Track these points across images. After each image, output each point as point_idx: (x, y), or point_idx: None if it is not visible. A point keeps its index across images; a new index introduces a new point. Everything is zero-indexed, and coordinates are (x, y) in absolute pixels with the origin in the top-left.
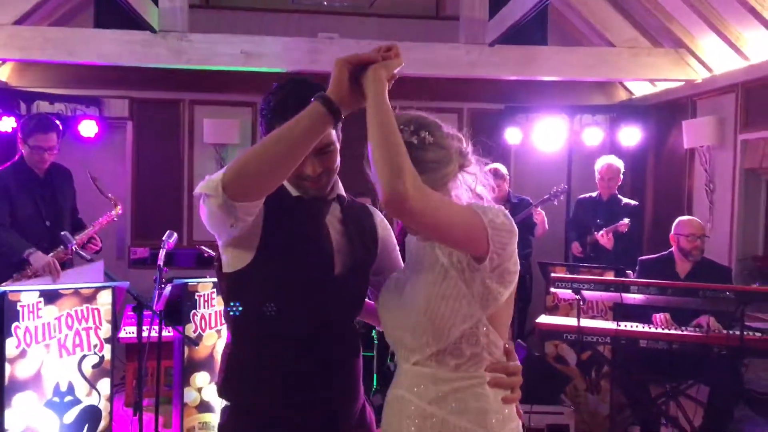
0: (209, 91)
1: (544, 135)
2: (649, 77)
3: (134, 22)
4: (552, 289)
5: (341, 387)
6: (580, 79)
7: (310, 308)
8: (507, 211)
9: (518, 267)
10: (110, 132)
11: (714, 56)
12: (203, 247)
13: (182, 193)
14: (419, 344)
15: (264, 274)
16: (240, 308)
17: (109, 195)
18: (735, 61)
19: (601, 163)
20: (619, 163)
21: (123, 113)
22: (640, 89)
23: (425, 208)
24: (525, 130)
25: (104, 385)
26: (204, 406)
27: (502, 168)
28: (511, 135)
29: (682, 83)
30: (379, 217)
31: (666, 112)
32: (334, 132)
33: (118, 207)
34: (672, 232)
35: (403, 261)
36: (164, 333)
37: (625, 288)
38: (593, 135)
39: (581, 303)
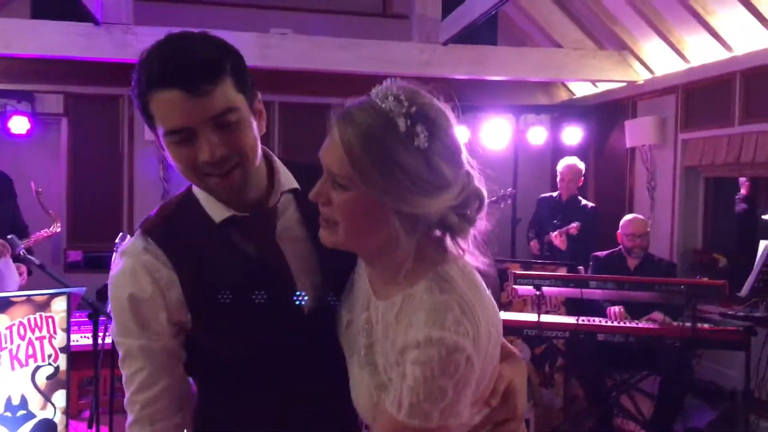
0: None
1: (491, 134)
2: (594, 78)
3: (74, 12)
4: (513, 286)
5: None
6: (529, 79)
7: (281, 370)
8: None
9: None
10: (43, 129)
11: (656, 58)
12: None
13: (122, 193)
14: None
15: (210, 347)
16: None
17: (50, 211)
18: (676, 63)
19: (563, 164)
20: (581, 165)
21: (57, 109)
22: (582, 90)
23: None
24: (472, 129)
25: (59, 397)
26: None
27: None
28: (458, 133)
29: (624, 84)
30: None
31: (607, 112)
32: (238, 94)
33: (58, 224)
34: (618, 230)
35: None
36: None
37: (585, 284)
38: (537, 134)
39: (540, 299)
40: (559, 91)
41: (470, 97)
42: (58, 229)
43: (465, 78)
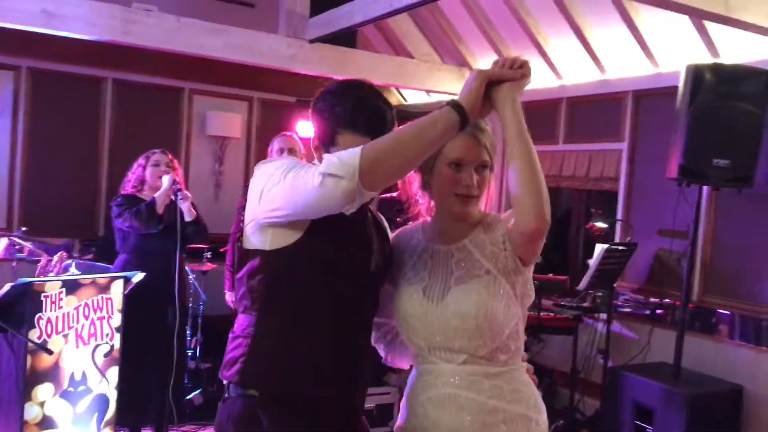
0: None
1: None
2: (438, 89)
3: None
4: None
5: (363, 382)
6: (385, 84)
7: (347, 296)
8: None
9: None
10: None
11: None
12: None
13: None
14: (473, 346)
15: (309, 255)
16: (279, 286)
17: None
18: None
19: None
20: None
21: None
22: (414, 97)
23: None
24: None
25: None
26: (46, 422)
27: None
28: (303, 128)
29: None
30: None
31: None
32: None
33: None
34: None
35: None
36: None
37: None
38: None
39: None
40: (391, 96)
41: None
42: None
43: (322, 75)
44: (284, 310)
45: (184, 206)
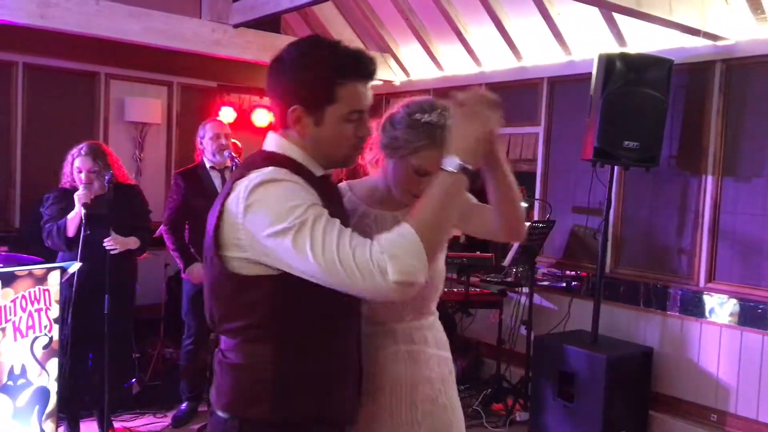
0: None
1: (260, 114)
2: None
3: None
4: None
5: (355, 399)
6: None
7: (350, 310)
8: None
9: None
10: None
11: (413, 63)
12: None
13: None
14: (428, 304)
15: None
16: (292, 311)
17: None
18: (431, 70)
19: None
20: None
21: None
22: None
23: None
24: (238, 109)
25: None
26: None
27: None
28: (225, 113)
29: (381, 83)
30: None
31: None
32: None
33: None
34: None
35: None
36: None
37: None
38: None
39: None
40: None
41: (239, 79)
42: None
43: (245, 60)
44: (301, 335)
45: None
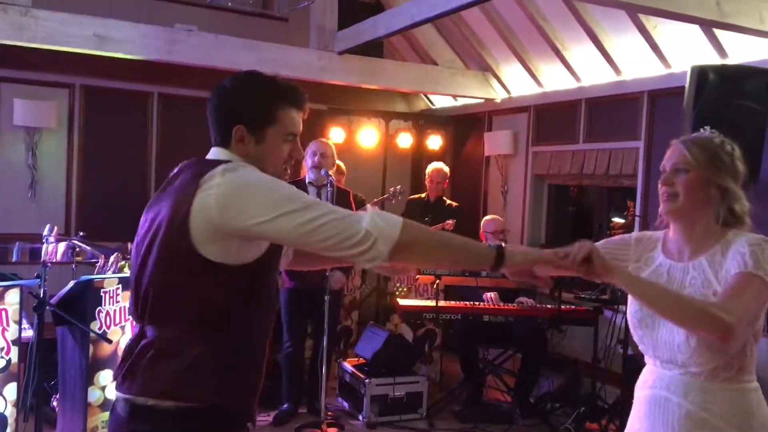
0: None
1: (364, 136)
2: (461, 94)
3: None
4: (417, 276)
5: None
6: (412, 90)
7: (275, 308)
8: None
9: None
10: None
11: (513, 81)
12: None
13: None
14: (696, 361)
15: (266, 271)
16: (241, 302)
17: None
18: (531, 86)
19: (432, 167)
20: (446, 169)
21: None
22: (441, 101)
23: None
24: (347, 130)
25: (10, 390)
26: (107, 405)
27: (341, 164)
28: (335, 134)
29: (483, 101)
30: None
31: (465, 123)
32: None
33: None
34: (481, 229)
35: None
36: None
37: (478, 273)
38: (405, 138)
39: (438, 287)
40: (419, 101)
41: (343, 101)
42: None
43: (351, 85)
44: (240, 326)
45: None
